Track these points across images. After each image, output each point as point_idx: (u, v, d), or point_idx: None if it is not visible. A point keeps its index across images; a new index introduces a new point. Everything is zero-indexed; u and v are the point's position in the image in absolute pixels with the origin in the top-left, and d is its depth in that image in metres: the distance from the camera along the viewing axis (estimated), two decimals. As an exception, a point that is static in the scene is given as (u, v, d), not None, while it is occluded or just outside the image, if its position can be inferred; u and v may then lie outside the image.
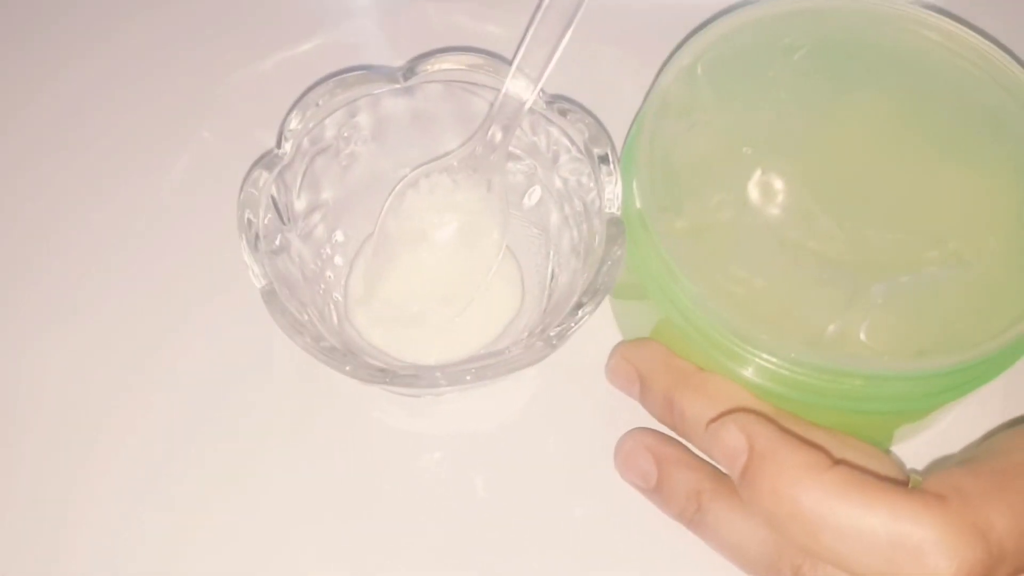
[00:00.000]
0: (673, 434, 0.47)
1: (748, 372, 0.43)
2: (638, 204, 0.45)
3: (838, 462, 0.39)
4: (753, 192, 0.48)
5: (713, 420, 0.43)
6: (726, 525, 0.43)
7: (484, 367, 0.42)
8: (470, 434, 0.51)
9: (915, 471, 0.46)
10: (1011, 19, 0.57)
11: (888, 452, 0.47)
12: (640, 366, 0.47)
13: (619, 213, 0.45)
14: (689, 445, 0.46)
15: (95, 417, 0.51)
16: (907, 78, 0.49)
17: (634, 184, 0.45)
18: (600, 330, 0.52)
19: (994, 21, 0.53)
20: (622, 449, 0.47)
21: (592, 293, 0.43)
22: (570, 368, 0.51)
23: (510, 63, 0.47)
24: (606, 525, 0.48)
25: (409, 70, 0.49)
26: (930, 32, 0.49)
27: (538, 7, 0.46)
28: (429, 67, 0.49)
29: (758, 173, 0.49)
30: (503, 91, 0.47)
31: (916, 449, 0.48)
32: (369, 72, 0.49)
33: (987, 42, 0.48)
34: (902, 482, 0.40)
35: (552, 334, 0.43)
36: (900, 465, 0.45)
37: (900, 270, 0.46)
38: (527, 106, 0.47)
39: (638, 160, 0.46)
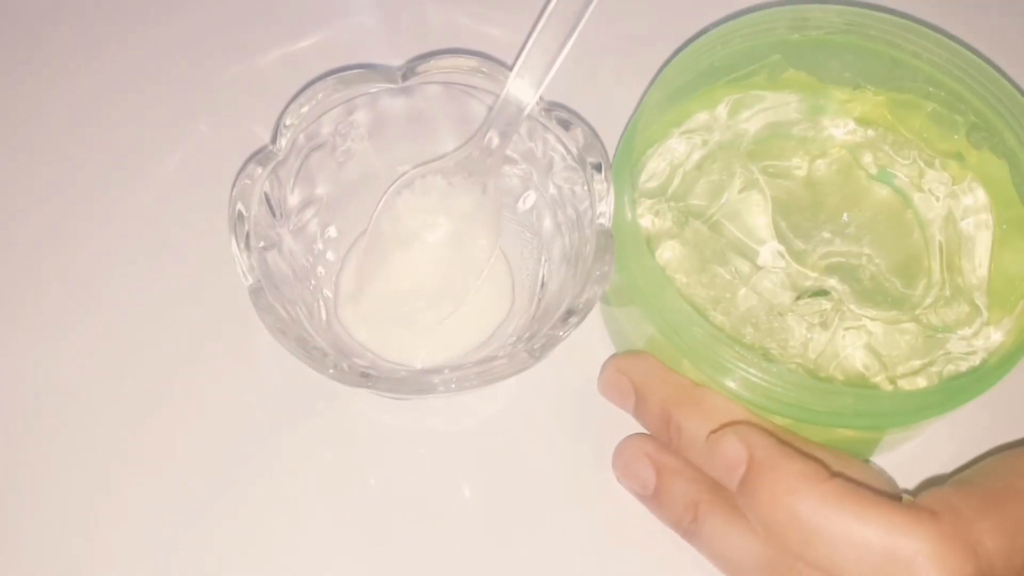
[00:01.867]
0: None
1: (739, 387, 0.43)
2: (629, 216, 0.45)
3: (835, 474, 0.40)
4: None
5: (713, 431, 0.43)
6: (721, 537, 0.43)
7: (467, 376, 0.42)
8: (458, 436, 0.51)
9: (907, 491, 0.46)
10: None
11: (870, 462, 0.47)
12: (636, 379, 0.47)
13: (609, 225, 0.45)
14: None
15: (73, 401, 0.51)
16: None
17: (625, 196, 0.45)
18: (592, 342, 0.52)
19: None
20: (622, 455, 0.48)
21: (579, 306, 0.43)
22: (561, 377, 0.51)
23: (510, 67, 0.47)
24: (589, 532, 0.49)
25: (408, 70, 0.48)
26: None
27: (541, 13, 0.46)
28: (428, 68, 0.48)
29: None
30: (502, 96, 0.47)
31: (902, 459, 0.48)
32: (368, 71, 0.49)
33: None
34: (895, 498, 0.41)
35: (536, 345, 0.43)
36: (893, 483, 0.46)
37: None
38: (526, 112, 0.47)
39: (632, 171, 0.46)
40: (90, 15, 0.62)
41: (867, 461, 0.47)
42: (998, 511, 0.39)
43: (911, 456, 0.48)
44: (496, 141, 0.48)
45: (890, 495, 0.41)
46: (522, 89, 0.47)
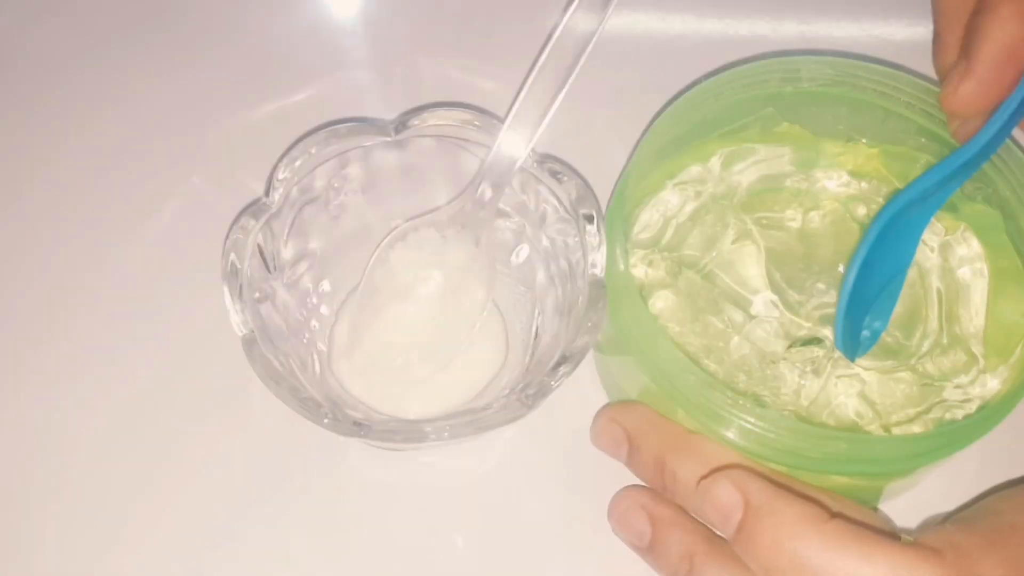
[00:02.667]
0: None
1: (733, 434, 0.42)
2: (622, 266, 0.45)
3: (835, 515, 0.40)
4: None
5: (704, 477, 0.42)
6: None
7: (460, 424, 0.42)
8: (450, 487, 0.50)
9: (906, 531, 0.46)
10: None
11: (876, 510, 0.47)
12: (629, 427, 0.47)
13: (602, 275, 0.45)
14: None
15: (68, 454, 0.51)
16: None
17: (618, 247, 0.45)
18: (585, 393, 0.52)
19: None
20: (617, 507, 0.47)
21: (570, 354, 0.43)
22: (554, 428, 0.51)
23: (502, 120, 0.47)
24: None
25: (401, 124, 0.49)
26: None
27: (533, 66, 0.46)
28: (421, 121, 0.49)
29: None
30: (494, 148, 0.47)
31: (902, 499, 0.48)
32: (361, 124, 0.49)
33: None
34: (895, 537, 0.40)
35: (529, 393, 0.43)
36: (890, 523, 0.46)
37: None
38: (518, 164, 0.47)
39: (625, 222, 0.46)
40: (87, 69, 0.63)
41: (875, 509, 0.47)
42: (1001, 548, 0.39)
43: (911, 496, 0.48)
44: (489, 194, 0.48)
45: (890, 534, 0.40)
46: (514, 142, 0.47)
